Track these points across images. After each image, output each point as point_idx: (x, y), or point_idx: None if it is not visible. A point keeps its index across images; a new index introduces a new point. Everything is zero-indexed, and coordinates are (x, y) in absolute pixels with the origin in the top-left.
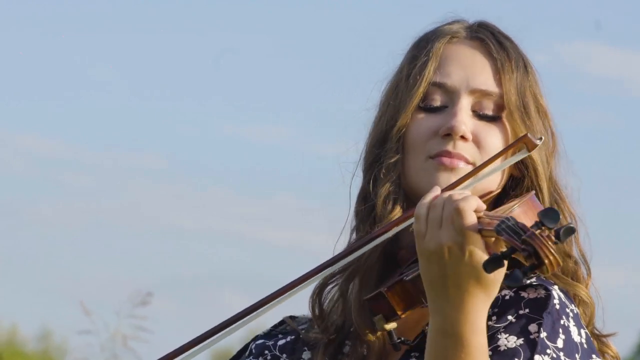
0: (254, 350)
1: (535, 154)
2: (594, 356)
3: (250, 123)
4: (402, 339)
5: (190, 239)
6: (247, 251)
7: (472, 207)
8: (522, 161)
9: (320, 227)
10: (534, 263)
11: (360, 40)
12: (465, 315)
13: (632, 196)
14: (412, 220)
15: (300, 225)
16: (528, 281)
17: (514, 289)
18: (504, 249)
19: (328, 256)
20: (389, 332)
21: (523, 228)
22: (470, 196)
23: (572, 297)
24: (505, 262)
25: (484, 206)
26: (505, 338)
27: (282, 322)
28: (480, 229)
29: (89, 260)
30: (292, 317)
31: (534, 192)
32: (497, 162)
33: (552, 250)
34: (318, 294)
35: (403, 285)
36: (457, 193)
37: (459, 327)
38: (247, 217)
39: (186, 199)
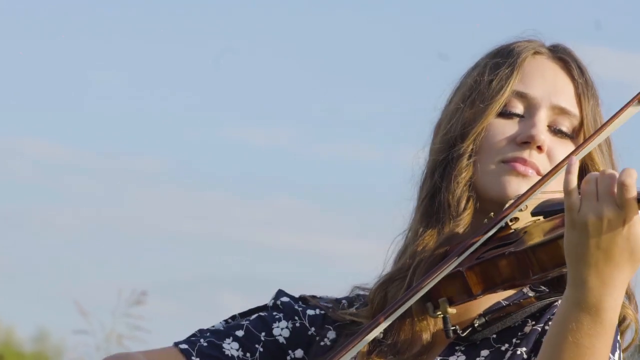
0: (281, 307)
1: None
2: None
3: (250, 125)
4: (456, 327)
5: (187, 241)
6: (245, 253)
7: (635, 180)
8: None
9: (318, 228)
10: None
11: (359, 42)
12: (610, 289)
13: None
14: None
15: (298, 227)
16: None
17: None
18: None
19: (327, 258)
20: (444, 318)
21: None
22: (632, 169)
23: (621, 320)
24: None
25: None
26: None
27: (302, 299)
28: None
29: (86, 262)
30: (314, 297)
31: None
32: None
33: None
34: (383, 287)
35: (494, 265)
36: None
37: (601, 300)
38: (245, 219)
39: (184, 202)
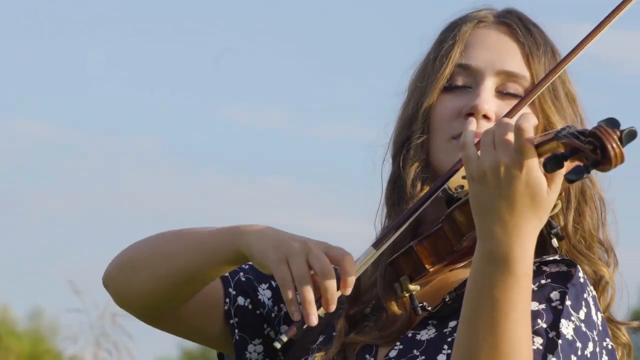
0: None
1: None
2: (607, 339)
3: (244, 107)
4: (424, 304)
5: (183, 222)
6: None
7: (532, 125)
8: None
9: (315, 209)
10: (597, 159)
11: (353, 30)
12: (517, 239)
13: (623, 182)
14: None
15: (293, 208)
16: (551, 258)
17: (537, 264)
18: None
19: (325, 239)
20: (411, 296)
21: (585, 130)
22: (529, 114)
23: (599, 279)
24: (565, 164)
25: (537, 122)
26: None
27: None
28: (537, 144)
29: (81, 242)
30: None
31: None
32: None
33: (618, 144)
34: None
35: (437, 236)
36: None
37: (509, 251)
38: (240, 200)
39: (179, 183)
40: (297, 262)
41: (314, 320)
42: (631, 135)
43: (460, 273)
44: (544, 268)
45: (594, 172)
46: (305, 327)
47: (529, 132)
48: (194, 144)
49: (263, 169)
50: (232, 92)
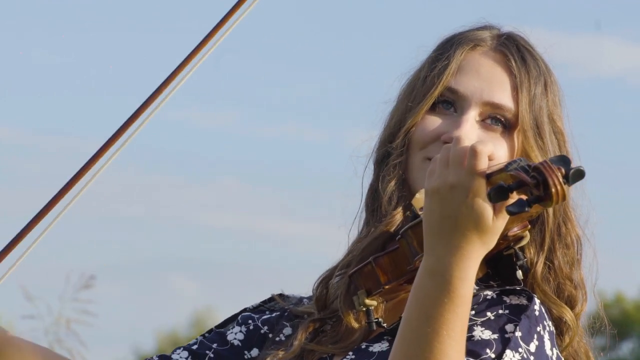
0: (240, 320)
1: None
2: None
3: (194, 107)
4: (379, 319)
5: (134, 225)
6: (192, 235)
7: (487, 152)
8: None
9: (264, 210)
10: (539, 194)
11: (305, 26)
12: (456, 259)
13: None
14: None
15: (244, 209)
16: (513, 288)
17: (497, 292)
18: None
19: (273, 240)
20: (367, 310)
21: (532, 164)
22: (487, 141)
23: (559, 320)
24: (510, 196)
25: (492, 150)
26: (481, 331)
27: (270, 299)
28: (489, 174)
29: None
30: (281, 295)
31: None
32: None
33: (560, 181)
34: (324, 283)
35: (394, 254)
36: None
37: (448, 270)
38: (191, 202)
39: (130, 185)
40: None
41: None
42: (577, 174)
43: None
44: (504, 298)
45: (567, 210)
46: None
47: (482, 160)
48: (146, 146)
49: (215, 169)
50: (181, 92)
